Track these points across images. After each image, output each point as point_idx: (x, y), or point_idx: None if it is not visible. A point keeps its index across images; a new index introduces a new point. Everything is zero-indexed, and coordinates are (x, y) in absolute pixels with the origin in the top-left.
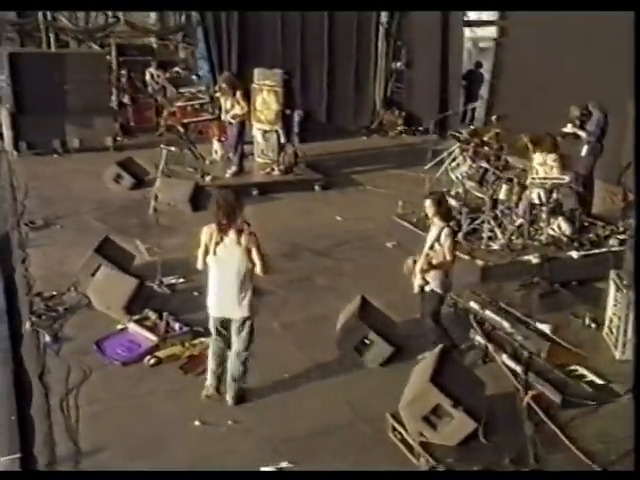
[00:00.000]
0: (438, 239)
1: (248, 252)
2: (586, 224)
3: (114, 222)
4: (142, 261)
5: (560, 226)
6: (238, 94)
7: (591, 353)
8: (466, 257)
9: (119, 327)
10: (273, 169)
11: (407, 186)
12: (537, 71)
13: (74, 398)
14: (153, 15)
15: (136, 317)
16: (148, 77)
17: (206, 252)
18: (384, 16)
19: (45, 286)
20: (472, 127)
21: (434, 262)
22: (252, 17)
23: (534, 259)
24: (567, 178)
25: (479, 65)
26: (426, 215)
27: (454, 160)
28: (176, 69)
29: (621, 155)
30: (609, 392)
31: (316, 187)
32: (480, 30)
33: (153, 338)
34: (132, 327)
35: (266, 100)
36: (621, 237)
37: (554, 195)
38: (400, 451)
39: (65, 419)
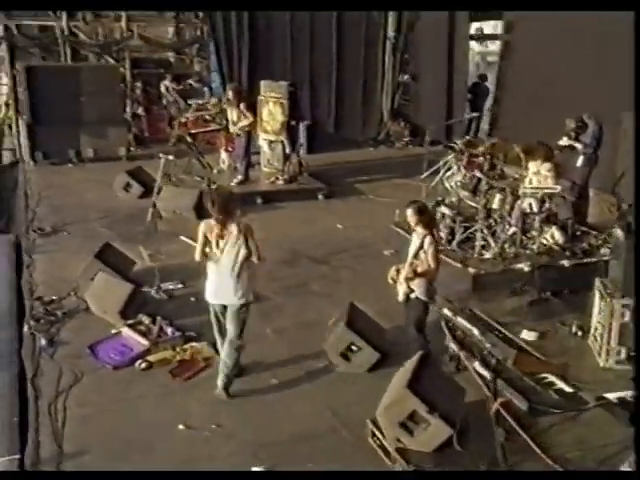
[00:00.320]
0: (422, 247)
1: (245, 242)
2: (578, 233)
3: (121, 229)
4: (143, 267)
5: (553, 235)
6: (242, 106)
7: (576, 360)
8: (459, 265)
9: (113, 331)
10: (277, 178)
11: (409, 195)
12: (539, 83)
13: (63, 401)
14: (171, 30)
15: (130, 322)
16: (163, 89)
17: (204, 245)
18: (391, 31)
19: (46, 291)
20: (468, 138)
21: (418, 270)
22: (262, 31)
23: (525, 267)
24: (559, 187)
25: (484, 78)
26: (408, 224)
27: (449, 170)
28: (189, 82)
29: (615, 165)
30: (577, 400)
31: (319, 196)
32: (491, 44)
33: (145, 342)
34: (125, 331)
35: (272, 111)
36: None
37: (546, 204)
38: (379, 457)
39: (52, 421)
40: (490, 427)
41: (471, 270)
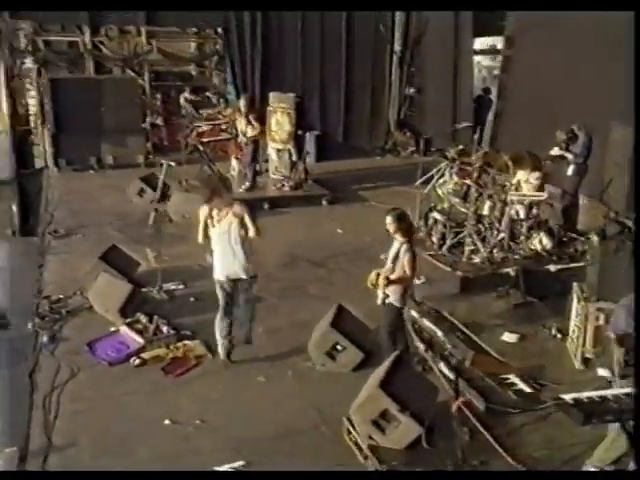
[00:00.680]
0: (399, 254)
1: (240, 220)
2: (565, 239)
3: (132, 232)
4: (149, 268)
5: (542, 240)
6: (251, 116)
7: (553, 362)
8: (448, 269)
9: (112, 329)
10: (284, 185)
11: (409, 202)
12: (537, 95)
13: (58, 395)
14: (193, 45)
15: (128, 320)
16: (182, 101)
17: (205, 228)
18: (398, 45)
19: (55, 290)
20: (460, 147)
21: (393, 276)
22: (274, 45)
23: (512, 272)
24: (545, 195)
25: (488, 91)
26: (387, 231)
27: (442, 177)
28: (207, 94)
29: (603, 173)
30: (535, 400)
31: (323, 202)
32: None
33: (140, 340)
34: (123, 329)
35: (280, 121)
36: None
37: (533, 211)
38: (354, 453)
39: (45, 415)
40: (454, 426)
41: (459, 274)
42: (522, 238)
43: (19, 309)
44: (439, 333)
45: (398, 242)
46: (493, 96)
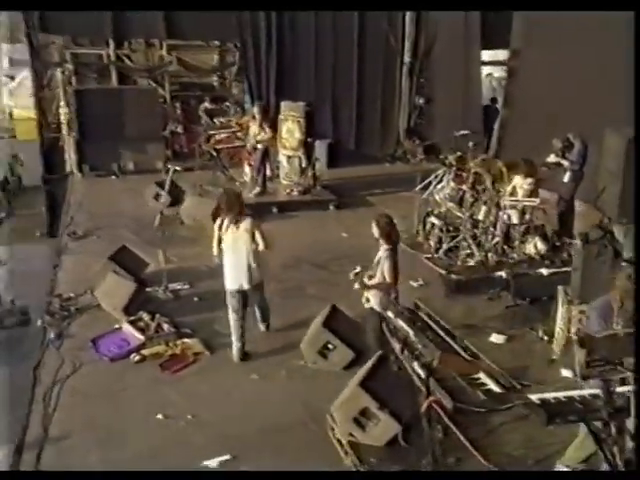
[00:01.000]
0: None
1: (252, 235)
2: (558, 244)
3: (145, 235)
4: (158, 268)
5: (537, 245)
6: (264, 123)
7: (538, 363)
8: (442, 271)
9: (116, 326)
10: (293, 190)
11: (412, 207)
12: (540, 105)
13: (58, 389)
14: (215, 57)
15: (131, 318)
16: (201, 110)
17: (219, 240)
18: (407, 56)
19: (67, 288)
20: (459, 153)
21: (372, 281)
22: (288, 56)
23: (504, 275)
24: (537, 201)
25: (495, 101)
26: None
27: (440, 183)
28: (227, 103)
29: (598, 179)
30: (503, 400)
31: (330, 207)
32: None
33: (140, 337)
34: (126, 327)
35: (290, 129)
36: None
37: (527, 216)
38: (337, 450)
39: (44, 407)
40: (430, 424)
41: (453, 276)
42: (516, 242)
43: (37, 307)
44: (411, 333)
45: (382, 248)
46: (499, 105)
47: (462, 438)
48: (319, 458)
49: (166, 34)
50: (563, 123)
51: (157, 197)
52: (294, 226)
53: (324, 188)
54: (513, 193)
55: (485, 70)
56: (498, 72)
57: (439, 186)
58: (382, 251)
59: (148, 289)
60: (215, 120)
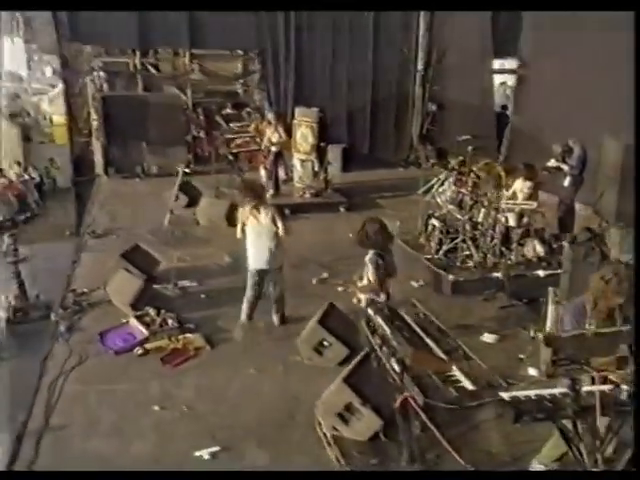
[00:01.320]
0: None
1: (273, 220)
2: (555, 246)
3: (162, 234)
4: (171, 266)
5: (535, 248)
6: (279, 127)
7: (526, 363)
8: (441, 272)
9: (123, 321)
10: (305, 192)
11: (419, 210)
12: (548, 111)
13: (63, 380)
14: (239, 64)
15: (138, 313)
16: (218, 116)
17: (243, 225)
18: (420, 65)
19: (82, 284)
20: (461, 158)
21: (358, 284)
22: (306, 64)
23: (500, 276)
24: (535, 204)
25: (505, 108)
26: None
27: (441, 186)
28: (247, 109)
29: (597, 184)
30: (475, 397)
31: (341, 209)
32: None
33: (145, 331)
34: (132, 321)
35: (304, 134)
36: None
37: (524, 219)
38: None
39: (48, 397)
40: (405, 420)
41: (450, 277)
42: (514, 245)
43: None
44: (387, 331)
45: (369, 251)
46: (510, 112)
47: (437, 434)
48: (305, 451)
49: (191, 43)
50: (568, 129)
51: (175, 199)
52: (304, 227)
53: (336, 191)
54: (513, 196)
55: (500, 79)
56: (512, 81)
57: (440, 189)
58: (368, 254)
59: (158, 286)
60: (232, 125)
